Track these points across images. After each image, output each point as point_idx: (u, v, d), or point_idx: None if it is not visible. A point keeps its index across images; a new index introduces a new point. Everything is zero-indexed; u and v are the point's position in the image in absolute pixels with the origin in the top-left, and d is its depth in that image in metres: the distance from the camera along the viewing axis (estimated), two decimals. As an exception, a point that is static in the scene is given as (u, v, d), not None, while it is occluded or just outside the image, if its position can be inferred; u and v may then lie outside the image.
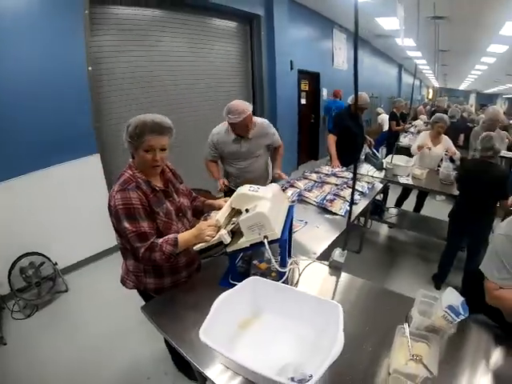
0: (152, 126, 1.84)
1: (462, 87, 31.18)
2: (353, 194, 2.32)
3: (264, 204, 1.77)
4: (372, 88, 13.15)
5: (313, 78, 9.08)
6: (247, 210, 1.77)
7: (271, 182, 3.65)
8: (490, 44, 10.35)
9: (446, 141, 5.22)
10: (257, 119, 3.49)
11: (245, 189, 1.92)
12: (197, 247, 1.85)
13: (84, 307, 3.76)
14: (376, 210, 5.14)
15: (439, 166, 5.11)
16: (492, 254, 1.74)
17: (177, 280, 2.18)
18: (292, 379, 1.29)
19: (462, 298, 1.57)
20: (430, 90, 32.70)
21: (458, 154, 5.20)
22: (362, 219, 4.79)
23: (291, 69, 7.23)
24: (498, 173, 3.48)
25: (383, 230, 5.83)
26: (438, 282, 4.14)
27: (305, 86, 8.81)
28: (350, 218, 2.38)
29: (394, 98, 11.23)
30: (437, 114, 5.29)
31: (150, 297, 2.15)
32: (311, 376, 1.19)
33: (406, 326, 1.55)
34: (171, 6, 5.14)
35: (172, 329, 1.71)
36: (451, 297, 1.59)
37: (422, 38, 8.65)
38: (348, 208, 3.00)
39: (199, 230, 1.86)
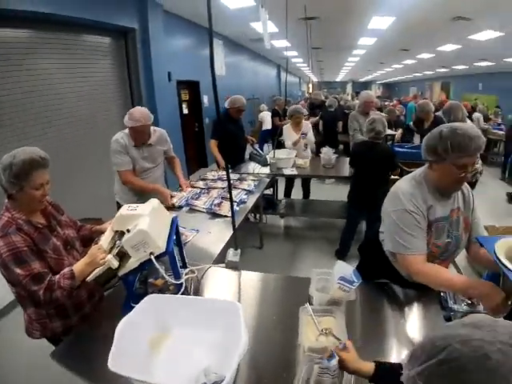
0: (38, 161, 1.77)
1: (338, 79, 34.20)
2: (230, 195, 2.52)
3: (143, 221, 1.76)
4: (254, 89, 13.58)
5: (193, 87, 9.16)
6: (128, 231, 1.75)
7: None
8: (360, 38, 11.21)
9: (305, 127, 5.75)
10: (156, 127, 3.60)
11: (124, 209, 1.89)
12: (93, 274, 1.74)
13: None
14: (269, 204, 5.48)
15: (320, 153, 5.60)
16: (395, 231, 1.90)
17: (82, 315, 2.08)
18: None
19: (351, 268, 1.74)
20: (310, 85, 34.52)
21: (312, 139, 5.84)
22: (258, 217, 5.12)
23: (169, 80, 7.19)
24: (383, 151, 4.02)
25: (281, 221, 6.17)
26: (342, 256, 4.49)
27: (185, 96, 8.86)
28: (233, 216, 2.56)
29: (274, 96, 11.72)
30: (291, 108, 5.88)
31: (59, 341, 1.95)
32: (224, 377, 1.24)
33: (307, 305, 1.68)
34: (40, 25, 4.74)
35: (86, 369, 1.62)
36: (342, 268, 1.74)
37: (296, 38, 9.22)
38: (237, 208, 3.24)
39: (91, 256, 1.80)
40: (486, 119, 12.24)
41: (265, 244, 5.12)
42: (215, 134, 5.19)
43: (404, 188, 1.93)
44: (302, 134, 5.53)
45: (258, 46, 12.18)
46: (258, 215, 5.14)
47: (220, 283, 2.22)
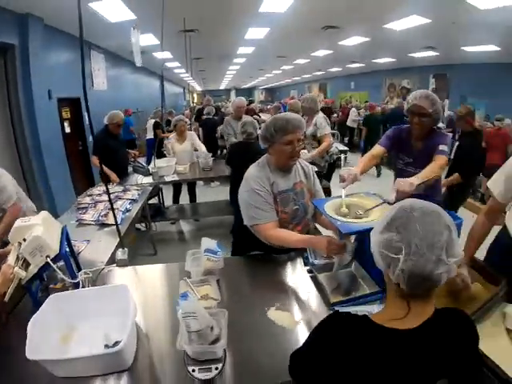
0: None
1: (222, 87, 35.38)
2: (110, 200, 2.79)
3: (37, 228, 1.89)
4: (138, 102, 13.44)
5: (74, 104, 8.65)
6: (25, 240, 1.84)
7: None
8: (238, 47, 11.86)
9: (190, 136, 6.19)
10: None
11: (18, 222, 1.98)
12: (8, 293, 1.72)
13: None
14: (157, 212, 5.78)
15: (198, 158, 5.98)
16: (248, 207, 2.35)
17: None
18: (106, 346, 1.60)
19: (215, 241, 2.17)
20: (195, 95, 34.94)
21: (202, 146, 6.25)
22: (147, 225, 5.38)
23: (50, 98, 6.93)
24: (256, 149, 4.27)
25: (172, 227, 6.44)
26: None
27: (66, 114, 8.34)
28: (115, 217, 2.93)
29: (157, 108, 11.78)
30: (175, 118, 6.25)
31: None
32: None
33: (186, 278, 2.03)
34: None
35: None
36: (207, 243, 2.14)
37: (177, 49, 9.39)
38: (123, 216, 3.56)
39: (2, 275, 1.74)
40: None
41: (159, 250, 5.33)
42: (96, 151, 5.31)
43: (251, 172, 2.40)
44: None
45: (141, 57, 12.16)
46: (147, 224, 5.35)
47: (114, 280, 2.38)
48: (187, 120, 6.23)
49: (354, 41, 10.86)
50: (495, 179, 2.03)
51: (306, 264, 2.36)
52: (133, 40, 5.29)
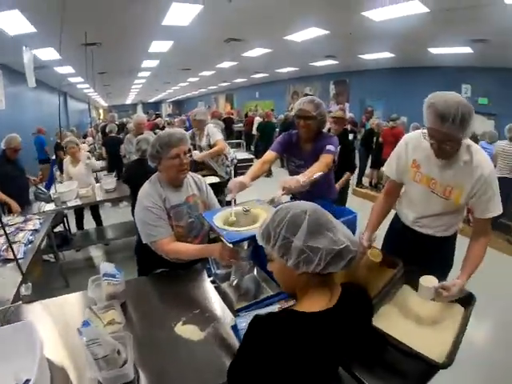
0: None
1: (128, 101, 34.24)
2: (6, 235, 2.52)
3: None
4: (40, 122, 12.61)
5: None
6: None
7: None
8: (143, 60, 11.71)
9: (85, 157, 5.87)
10: None
11: None
12: None
13: None
14: (63, 240, 5.35)
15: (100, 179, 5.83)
16: (143, 225, 2.35)
17: None
18: None
19: (112, 265, 2.14)
20: (101, 111, 33.84)
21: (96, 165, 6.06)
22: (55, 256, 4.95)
23: None
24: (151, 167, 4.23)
25: (81, 255, 5.98)
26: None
27: None
28: (13, 252, 2.75)
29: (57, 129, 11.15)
30: (66, 139, 6.00)
31: None
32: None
33: (91, 306, 1.96)
34: None
35: None
36: (106, 267, 2.11)
37: (80, 63, 8.99)
38: (25, 249, 3.31)
39: None
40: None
41: (71, 280, 4.86)
42: None
43: (143, 190, 2.41)
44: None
45: (42, 72, 11.55)
46: (55, 254, 4.94)
47: (22, 317, 2.16)
48: (78, 142, 5.92)
49: (257, 52, 11.16)
50: (388, 163, 2.32)
51: (209, 275, 2.41)
52: (25, 60, 4.97)
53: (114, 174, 5.98)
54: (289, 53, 11.13)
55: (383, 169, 2.38)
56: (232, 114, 18.39)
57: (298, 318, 1.17)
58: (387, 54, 11.20)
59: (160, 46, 9.36)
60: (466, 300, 1.89)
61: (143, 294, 2.35)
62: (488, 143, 6.81)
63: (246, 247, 2.17)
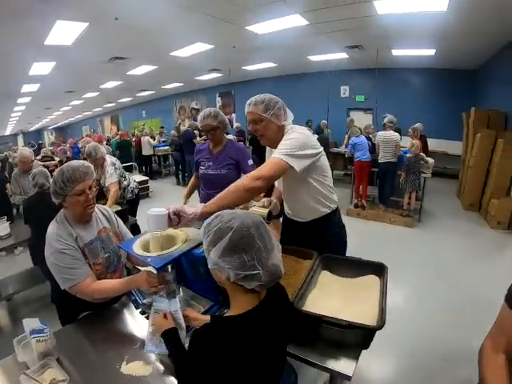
0: None
1: (7, 132, 31.47)
2: None
3: None
4: None
5: None
6: None
7: None
8: (22, 85, 10.99)
9: None
10: None
11: None
12: None
13: None
14: None
15: None
16: (58, 271, 2.09)
17: None
18: None
19: (37, 319, 1.91)
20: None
21: None
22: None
23: None
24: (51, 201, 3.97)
25: None
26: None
27: None
28: None
29: None
30: None
31: None
32: None
33: (24, 371, 1.70)
34: None
35: None
36: (30, 324, 1.87)
37: None
38: None
39: None
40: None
41: None
42: None
43: (51, 231, 2.15)
44: None
45: None
46: None
47: None
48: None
49: (142, 70, 11.06)
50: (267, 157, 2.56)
51: (136, 307, 2.30)
52: None
53: (6, 217, 5.15)
54: (174, 68, 11.19)
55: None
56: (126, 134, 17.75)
57: (227, 322, 1.30)
58: (270, 64, 11.77)
59: (41, 67, 8.85)
60: (380, 270, 2.15)
61: (76, 344, 2.07)
62: (356, 137, 7.48)
63: (169, 269, 2.20)
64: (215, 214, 1.34)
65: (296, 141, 2.16)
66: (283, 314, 1.47)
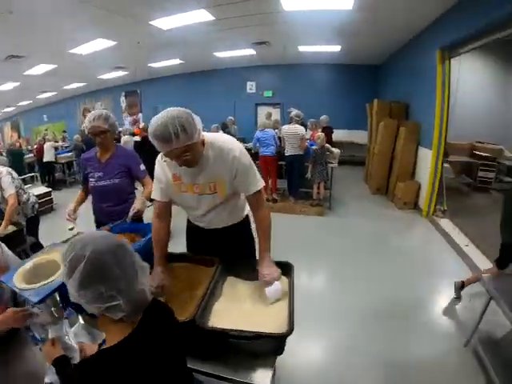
0: None
1: None
2: None
3: None
4: None
5: None
6: None
7: None
8: None
9: None
10: None
11: None
12: None
13: None
14: None
15: None
16: None
17: None
18: None
19: None
20: None
21: None
22: None
23: None
24: None
25: None
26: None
27: None
28: None
29: None
30: None
31: None
32: None
33: None
34: None
35: None
36: None
37: None
38: None
39: None
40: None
41: None
42: None
43: None
44: None
45: None
46: None
47: None
48: None
49: (40, 69, 10.42)
50: (154, 188, 2.30)
51: (36, 343, 2.05)
52: None
53: None
54: (75, 67, 10.63)
55: (153, 197, 2.32)
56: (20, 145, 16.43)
57: (101, 356, 1.16)
58: (177, 61, 11.57)
59: None
60: (287, 270, 2.14)
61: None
62: (260, 131, 7.43)
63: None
64: (70, 241, 1.17)
65: (251, 163, 2.16)
66: (167, 334, 1.34)
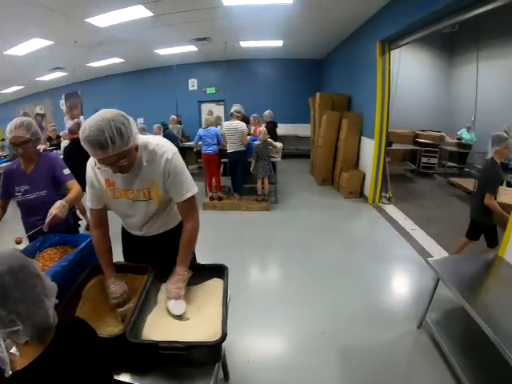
0: None
1: None
2: None
3: None
4: None
5: None
6: None
7: None
8: None
9: None
10: None
11: None
12: None
13: None
14: None
15: None
16: None
17: None
18: None
19: None
20: None
21: None
22: None
23: None
24: None
25: None
26: None
27: None
28: None
29: None
30: None
31: None
32: None
33: None
34: None
35: None
36: None
37: None
38: None
39: None
40: None
41: None
42: None
43: None
44: None
45: None
46: None
47: None
48: None
49: (-28, 72, 9.86)
50: (87, 197, 2.16)
51: None
52: None
53: None
54: (11, 69, 10.21)
55: (88, 205, 2.17)
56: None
57: (11, 379, 1.11)
58: (117, 60, 11.31)
59: None
60: (221, 272, 2.13)
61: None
62: (203, 129, 7.27)
63: None
64: None
65: (183, 169, 2.06)
66: (84, 353, 1.24)
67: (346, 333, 3.37)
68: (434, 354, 3.04)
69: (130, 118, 1.76)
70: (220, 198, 7.35)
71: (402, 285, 4.41)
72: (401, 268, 4.66)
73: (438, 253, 4.89)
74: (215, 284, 2.07)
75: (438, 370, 2.88)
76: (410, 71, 11.31)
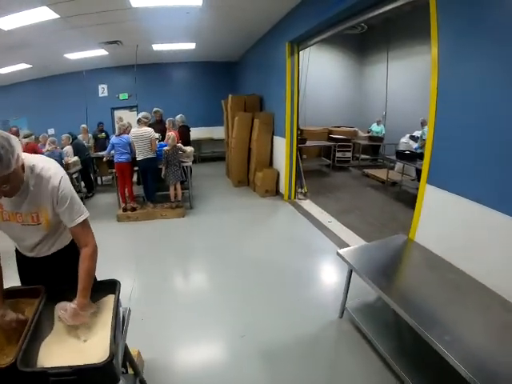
0: None
1: None
2: None
3: None
4: None
5: None
6: None
7: None
8: None
9: None
10: None
11: None
12: None
13: None
14: None
15: None
16: None
17: None
18: None
19: None
20: None
21: None
22: None
23: None
24: None
25: None
26: None
27: None
28: None
29: None
30: None
31: None
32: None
33: None
34: None
35: None
36: None
37: None
38: None
39: None
40: None
41: None
42: None
43: None
44: None
45: None
46: None
47: None
48: None
49: None
50: None
51: None
52: None
53: None
54: None
55: None
56: None
57: None
58: (23, 66, 10.51)
59: None
60: (113, 287, 2.07)
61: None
62: (116, 137, 7.04)
63: None
64: None
65: (72, 193, 1.95)
66: None
67: (268, 332, 3.43)
68: (357, 340, 3.21)
69: (13, 138, 1.63)
70: (133, 209, 7.12)
71: (322, 277, 4.59)
72: (319, 261, 4.87)
73: (356, 242, 5.08)
74: (111, 300, 2.02)
75: (363, 353, 3.05)
76: (322, 71, 11.82)
